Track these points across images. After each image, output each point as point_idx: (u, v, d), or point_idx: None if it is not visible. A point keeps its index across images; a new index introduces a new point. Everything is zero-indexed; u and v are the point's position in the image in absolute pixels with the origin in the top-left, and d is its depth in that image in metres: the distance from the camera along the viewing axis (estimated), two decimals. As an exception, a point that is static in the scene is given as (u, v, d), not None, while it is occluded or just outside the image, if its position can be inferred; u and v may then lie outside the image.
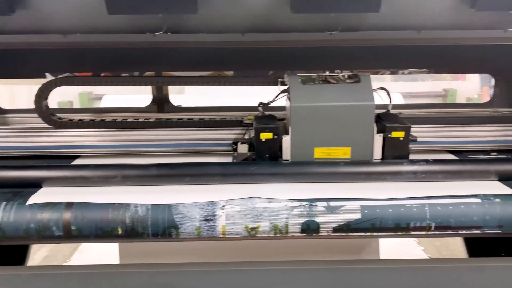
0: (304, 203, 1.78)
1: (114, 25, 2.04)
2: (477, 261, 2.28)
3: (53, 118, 2.33)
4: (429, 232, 1.81)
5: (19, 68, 2.76)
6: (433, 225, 1.78)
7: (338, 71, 2.16)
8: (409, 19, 2.04)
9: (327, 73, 2.14)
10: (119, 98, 5.10)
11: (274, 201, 1.79)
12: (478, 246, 2.73)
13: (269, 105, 2.27)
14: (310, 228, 1.77)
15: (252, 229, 1.77)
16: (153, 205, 1.78)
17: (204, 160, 2.21)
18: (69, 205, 1.77)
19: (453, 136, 2.35)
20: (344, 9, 1.94)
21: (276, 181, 1.94)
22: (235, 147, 2.24)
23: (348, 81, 2.11)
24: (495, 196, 1.82)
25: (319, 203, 1.78)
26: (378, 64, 2.63)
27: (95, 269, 2.05)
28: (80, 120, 2.37)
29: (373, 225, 1.77)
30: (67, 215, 1.75)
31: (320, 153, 2.06)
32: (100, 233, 1.76)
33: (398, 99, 4.98)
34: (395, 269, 2.08)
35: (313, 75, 2.14)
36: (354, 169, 1.96)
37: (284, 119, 2.24)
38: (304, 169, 1.97)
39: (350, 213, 1.77)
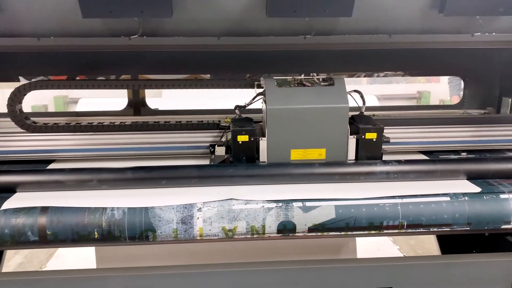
0: (280, 204, 1.82)
1: (89, 29, 2.03)
2: (449, 258, 2.36)
3: (27, 122, 2.30)
4: (402, 231, 1.86)
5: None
6: (405, 223, 1.84)
7: (314, 74, 2.20)
8: (381, 24, 2.09)
9: (302, 76, 2.18)
10: (95, 102, 5.05)
11: (250, 202, 1.82)
12: (450, 244, 2.81)
13: (246, 107, 2.29)
14: (286, 229, 1.81)
15: (229, 230, 1.79)
16: (129, 208, 1.78)
17: (182, 163, 2.21)
18: (44, 209, 1.76)
19: (424, 137, 2.42)
20: (318, 13, 1.98)
21: (253, 183, 1.97)
22: (212, 149, 2.26)
23: (322, 84, 2.15)
24: (464, 194, 1.89)
25: (295, 204, 1.82)
26: (351, 67, 2.69)
27: (72, 274, 2.04)
28: (55, 124, 2.34)
29: (348, 224, 1.82)
30: (42, 220, 1.74)
31: (296, 154, 2.10)
32: (76, 237, 1.75)
33: (372, 101, 5.07)
34: (372, 267, 2.14)
35: (289, 78, 2.17)
36: (329, 170, 2.00)
37: (260, 122, 2.27)
38: (280, 171, 2.00)
39: (325, 213, 1.81)
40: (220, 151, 2.22)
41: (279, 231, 1.81)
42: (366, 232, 1.85)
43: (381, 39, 2.10)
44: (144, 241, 1.79)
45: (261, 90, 2.20)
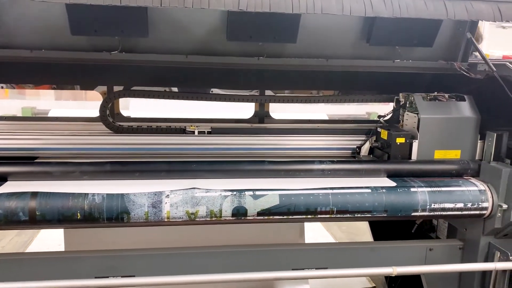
0: (235, 193, 2.20)
1: (75, 44, 2.37)
2: (376, 243, 2.83)
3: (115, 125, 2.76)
4: (332, 216, 2.29)
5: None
6: (335, 209, 2.26)
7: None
8: (320, 50, 2.56)
9: (435, 93, 2.72)
10: (65, 113, 5.28)
11: (210, 191, 2.20)
12: (381, 234, 3.28)
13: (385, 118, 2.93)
14: (239, 213, 2.19)
15: (192, 214, 2.16)
16: (108, 194, 2.11)
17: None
18: (34, 194, 2.06)
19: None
20: (269, 39, 2.42)
21: (212, 177, 2.35)
22: (359, 150, 2.86)
23: (453, 100, 2.67)
24: (382, 187, 2.34)
25: (247, 193, 2.21)
26: (295, 85, 3.16)
27: (45, 255, 2.34)
28: (139, 126, 2.78)
29: (289, 209, 2.22)
30: (33, 203, 2.04)
31: (439, 154, 2.60)
32: (62, 218, 2.06)
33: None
34: (311, 250, 2.57)
35: (423, 95, 2.69)
36: (276, 167, 2.41)
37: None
38: (236, 167, 2.39)
39: (271, 200, 2.21)
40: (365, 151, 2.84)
41: (233, 215, 2.19)
42: (304, 216, 2.26)
43: (320, 62, 2.56)
44: (120, 223, 2.12)
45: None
